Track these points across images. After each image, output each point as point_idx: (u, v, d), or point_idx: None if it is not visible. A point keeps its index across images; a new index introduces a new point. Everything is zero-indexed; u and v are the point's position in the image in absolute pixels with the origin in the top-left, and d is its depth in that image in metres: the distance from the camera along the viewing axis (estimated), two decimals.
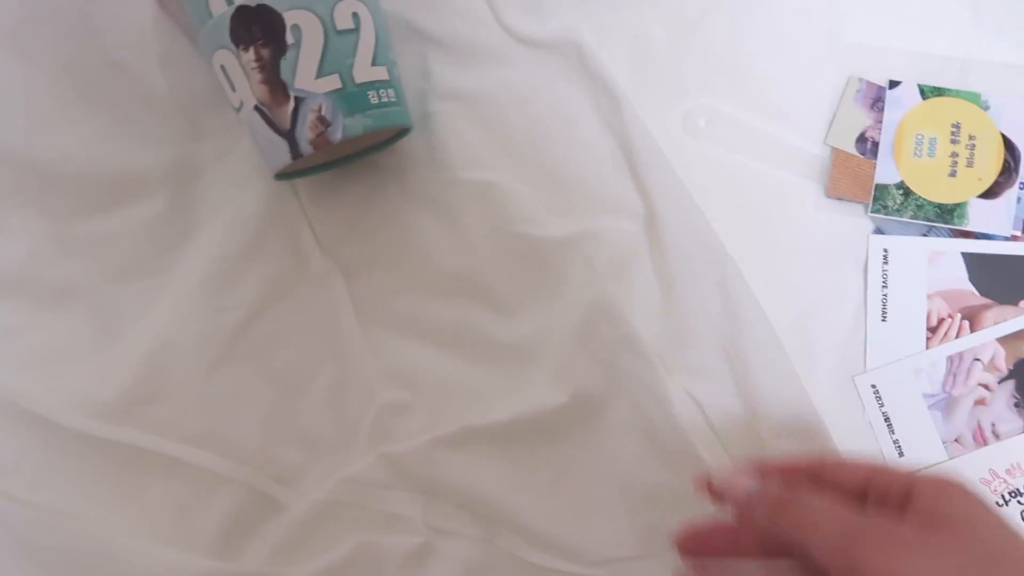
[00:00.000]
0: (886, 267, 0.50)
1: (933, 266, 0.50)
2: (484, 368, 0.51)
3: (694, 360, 0.50)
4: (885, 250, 0.50)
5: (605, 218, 0.51)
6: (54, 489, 0.48)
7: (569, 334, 0.49)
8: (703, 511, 0.46)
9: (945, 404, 0.49)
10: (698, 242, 0.49)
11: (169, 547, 0.47)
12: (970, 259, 0.50)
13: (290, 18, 0.44)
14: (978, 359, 0.50)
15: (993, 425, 0.49)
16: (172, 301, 0.51)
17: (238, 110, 0.47)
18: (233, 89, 0.46)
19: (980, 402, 0.49)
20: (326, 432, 0.51)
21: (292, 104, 0.45)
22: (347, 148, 0.50)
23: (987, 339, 0.50)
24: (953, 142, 0.51)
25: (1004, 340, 0.50)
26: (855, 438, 0.49)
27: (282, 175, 0.49)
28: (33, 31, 0.51)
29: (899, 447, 0.49)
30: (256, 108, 0.46)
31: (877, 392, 0.50)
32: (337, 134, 0.45)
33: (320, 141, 0.45)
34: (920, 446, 0.49)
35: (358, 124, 0.45)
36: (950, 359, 0.49)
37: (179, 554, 0.47)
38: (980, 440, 0.49)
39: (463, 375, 0.51)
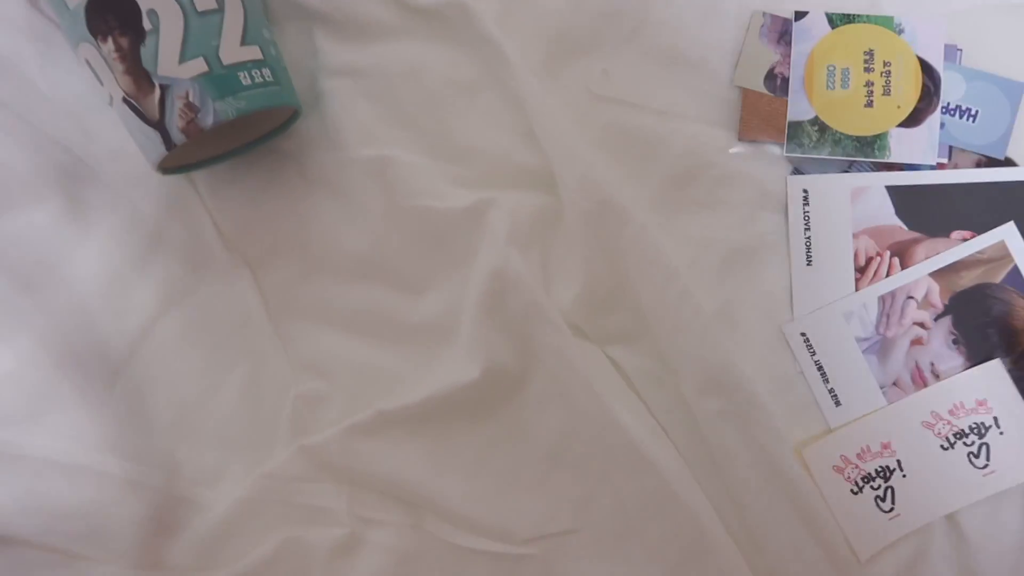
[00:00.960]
0: (807, 208, 0.48)
1: (857, 203, 0.48)
2: (398, 350, 0.49)
3: (612, 324, 0.48)
4: (805, 191, 0.48)
5: (507, 186, 0.49)
6: None
7: (476, 308, 0.47)
8: (632, 479, 0.45)
9: (880, 347, 0.47)
10: (600, 201, 0.47)
11: (83, 559, 0.46)
12: (895, 192, 0.48)
13: (145, 3, 0.42)
14: (911, 297, 0.47)
15: (932, 364, 0.47)
16: (71, 307, 0.49)
17: (110, 105, 0.45)
18: (101, 83, 0.45)
19: (916, 342, 0.47)
20: (243, 429, 0.49)
21: (158, 93, 0.43)
22: (235, 137, 0.48)
23: (919, 275, 0.47)
24: (867, 71, 0.48)
25: (937, 274, 0.47)
26: (788, 390, 0.47)
27: (174, 169, 0.48)
28: None
29: (835, 396, 0.47)
30: (124, 100, 0.44)
31: (807, 340, 0.47)
32: (208, 119, 0.43)
33: (191, 129, 0.43)
34: (856, 393, 0.47)
35: (230, 107, 0.43)
36: (882, 299, 0.47)
37: (97, 565, 0.46)
38: (919, 382, 0.47)
39: (377, 359, 0.49)
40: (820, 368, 0.47)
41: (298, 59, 0.51)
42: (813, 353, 0.47)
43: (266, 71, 0.45)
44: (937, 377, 0.47)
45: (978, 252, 0.47)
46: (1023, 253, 0.46)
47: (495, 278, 0.46)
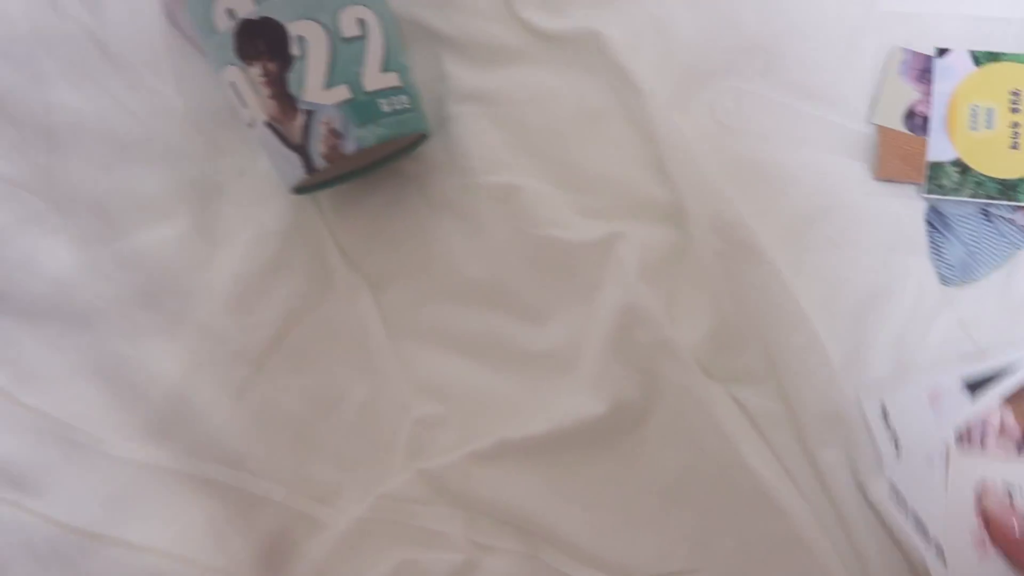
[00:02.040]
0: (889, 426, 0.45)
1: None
2: (516, 378, 0.49)
3: (738, 364, 0.47)
4: (883, 407, 0.45)
5: (635, 219, 0.49)
6: (93, 512, 0.48)
7: (603, 341, 0.46)
8: (757, 521, 0.44)
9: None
10: (732, 241, 0.46)
11: (212, 570, 0.47)
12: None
13: (294, 29, 0.43)
14: None
15: None
16: (200, 322, 0.50)
17: (250, 126, 0.46)
18: (244, 106, 0.45)
19: None
20: (361, 448, 0.50)
21: (302, 118, 0.43)
22: (365, 158, 0.49)
23: None
24: (1013, 111, 0.46)
25: None
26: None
27: (301, 189, 0.48)
28: (45, 53, 0.51)
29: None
30: (267, 124, 0.44)
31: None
32: (350, 146, 0.43)
33: (333, 154, 0.44)
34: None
35: (371, 134, 0.44)
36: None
37: None
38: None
39: (495, 386, 0.49)
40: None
41: (425, 83, 0.51)
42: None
43: (404, 98, 0.46)
44: None
45: None
46: None
47: (624, 313, 0.46)
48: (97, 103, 0.52)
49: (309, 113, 0.43)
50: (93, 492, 0.49)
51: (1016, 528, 0.40)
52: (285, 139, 0.44)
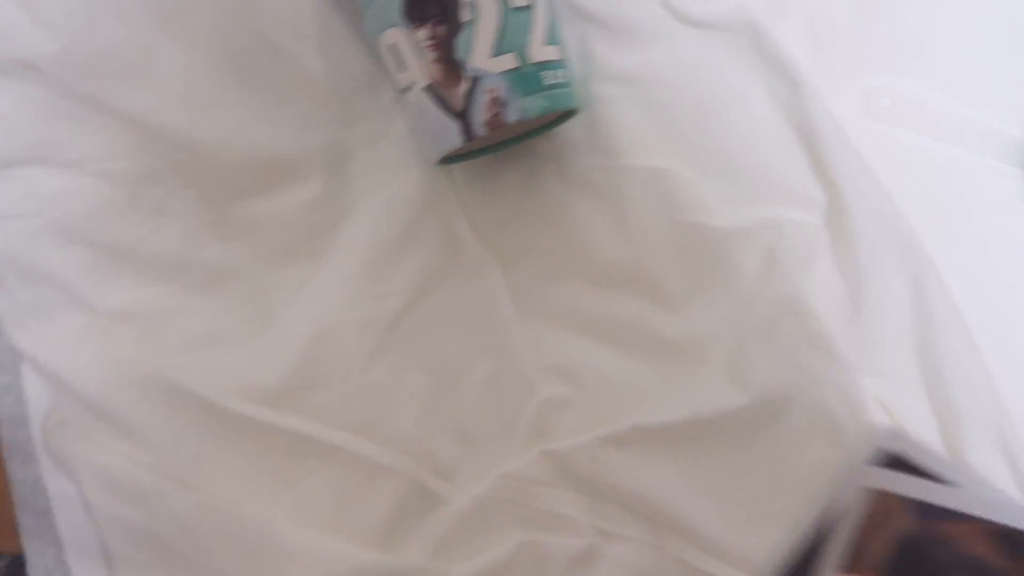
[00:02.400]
0: None
1: None
2: (649, 364, 0.48)
3: (883, 362, 0.46)
4: None
5: (783, 208, 0.48)
6: (213, 472, 0.48)
7: (748, 331, 0.46)
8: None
9: None
10: (890, 236, 0.46)
11: (331, 538, 0.46)
12: None
13: None
14: None
15: None
16: (330, 287, 0.50)
17: (405, 91, 0.46)
18: (402, 70, 0.45)
19: None
20: (484, 425, 0.49)
21: (467, 84, 0.43)
22: (516, 131, 0.48)
23: None
24: None
25: None
26: None
27: (444, 160, 0.48)
28: (193, 12, 0.51)
29: None
30: (427, 89, 0.44)
31: None
32: (512, 115, 0.43)
33: (495, 123, 0.43)
34: None
35: (533, 105, 0.43)
36: None
37: (342, 546, 0.46)
38: None
39: (626, 371, 0.49)
40: None
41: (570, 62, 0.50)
42: None
43: (563, 72, 0.45)
44: None
45: None
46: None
47: (776, 304, 0.45)
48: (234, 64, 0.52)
49: (474, 80, 0.43)
50: (212, 452, 0.48)
51: None
52: (445, 105, 0.44)
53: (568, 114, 0.49)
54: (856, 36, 0.49)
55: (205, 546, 0.46)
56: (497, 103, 0.43)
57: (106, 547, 0.49)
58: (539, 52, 0.44)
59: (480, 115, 0.43)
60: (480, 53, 0.43)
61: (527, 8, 0.44)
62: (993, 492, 0.36)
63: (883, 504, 0.35)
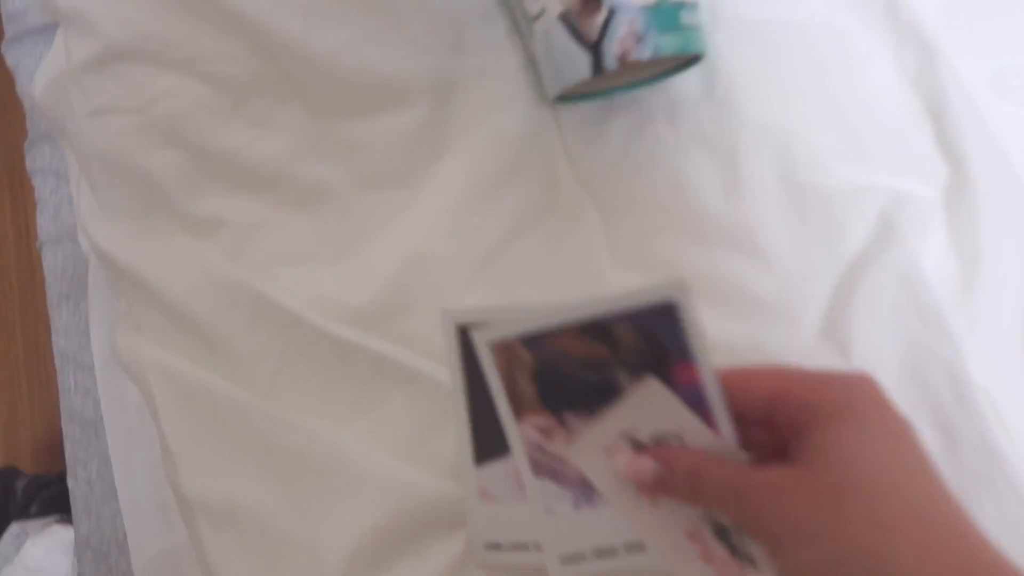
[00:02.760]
0: None
1: None
2: (743, 324, 0.47)
3: (986, 342, 0.45)
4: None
5: (901, 179, 0.47)
6: (290, 388, 0.47)
7: (854, 295, 0.45)
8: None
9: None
10: (1014, 216, 0.45)
11: (405, 464, 0.46)
12: None
13: None
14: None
15: None
16: (426, 215, 0.49)
17: (535, 18, 0.45)
18: None
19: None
20: None
21: (604, 15, 0.42)
22: (636, 72, 0.47)
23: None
24: None
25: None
26: None
27: (558, 97, 0.47)
28: None
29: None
30: (561, 16, 0.43)
31: None
32: (646, 52, 0.42)
33: (626, 57, 0.42)
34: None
35: (668, 44, 0.42)
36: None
37: (416, 473, 0.45)
38: None
39: (717, 329, 0.47)
40: None
41: None
42: None
43: (697, 15, 0.44)
44: None
45: None
46: None
47: (887, 272, 0.44)
48: None
49: (612, 11, 0.42)
50: (294, 366, 0.48)
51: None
52: (578, 35, 0.43)
53: (686, 64, 0.48)
54: (991, 14, 0.48)
55: (275, 459, 0.46)
56: (633, 37, 0.42)
57: (167, 448, 0.48)
58: None
59: (613, 48, 0.42)
60: None
61: None
62: (559, 303, 0.38)
63: (506, 352, 0.39)
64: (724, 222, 0.48)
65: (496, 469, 0.46)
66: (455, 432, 0.46)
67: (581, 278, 0.49)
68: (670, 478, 0.35)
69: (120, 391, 0.56)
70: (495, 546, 0.45)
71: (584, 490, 0.40)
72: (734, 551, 0.36)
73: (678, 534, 0.37)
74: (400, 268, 0.48)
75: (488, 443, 0.46)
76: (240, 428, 0.46)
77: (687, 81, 0.50)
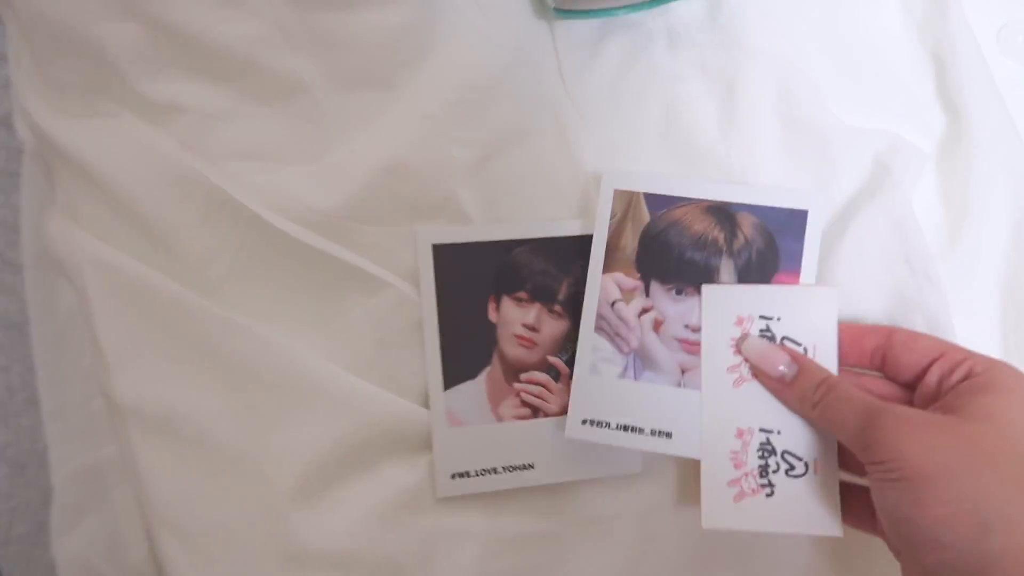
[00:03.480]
0: None
1: None
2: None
3: (965, 297, 0.45)
4: None
5: (898, 126, 0.46)
6: (245, 292, 0.44)
7: (843, 235, 0.43)
8: None
9: (640, 361, 0.42)
10: (1007, 170, 0.44)
11: (366, 379, 0.42)
12: None
13: None
14: (614, 301, 0.43)
15: (687, 327, 0.42)
16: (406, 121, 0.45)
17: None
18: None
19: (657, 327, 0.43)
20: None
21: None
22: None
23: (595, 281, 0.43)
24: None
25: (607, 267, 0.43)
26: None
27: (557, 8, 0.44)
28: None
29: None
30: None
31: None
32: None
33: None
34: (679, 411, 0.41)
35: None
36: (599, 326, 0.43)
37: (375, 390, 0.42)
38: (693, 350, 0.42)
39: None
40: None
41: None
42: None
43: None
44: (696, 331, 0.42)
45: None
46: None
47: (879, 216, 0.43)
48: None
49: None
50: (250, 268, 0.44)
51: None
52: None
53: None
54: None
55: (222, 365, 0.42)
56: None
57: (100, 348, 0.43)
58: None
59: None
60: None
61: None
62: (702, 178, 0.43)
63: (626, 203, 0.41)
64: (716, 154, 0.46)
65: (465, 391, 0.44)
66: (425, 353, 0.43)
67: (564, 201, 0.46)
68: (802, 381, 0.37)
69: (51, 292, 0.51)
70: (463, 475, 0.43)
71: (636, 362, 0.41)
72: (763, 471, 0.37)
73: (730, 429, 0.39)
74: (372, 175, 0.44)
75: (458, 366, 0.44)
76: (184, 330, 0.42)
77: (691, 6, 0.47)
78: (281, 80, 0.46)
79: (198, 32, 0.45)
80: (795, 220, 0.41)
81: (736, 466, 0.39)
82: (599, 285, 0.42)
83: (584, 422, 0.41)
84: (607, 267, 0.42)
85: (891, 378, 0.39)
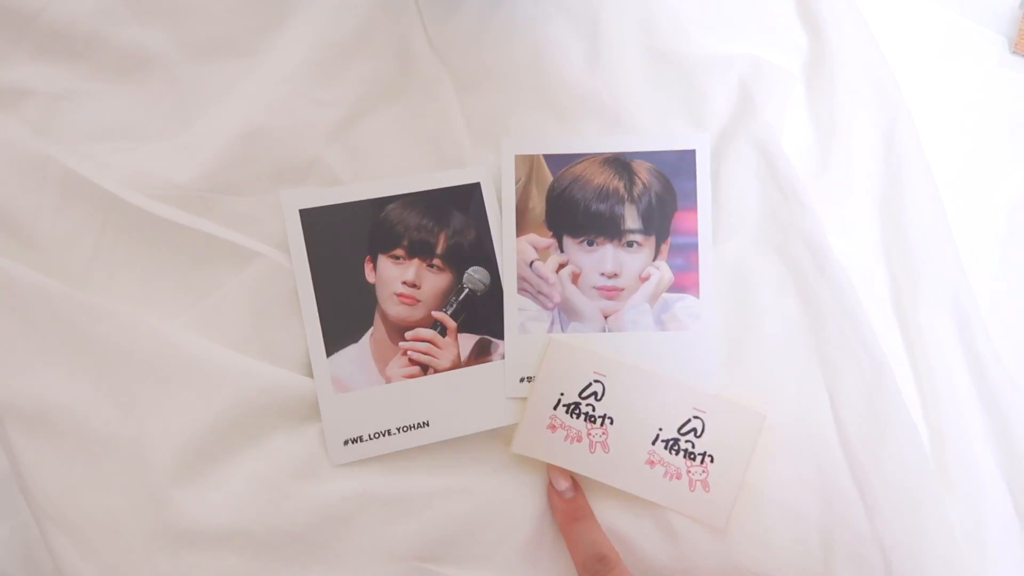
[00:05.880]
0: None
1: None
2: None
3: (843, 215, 0.45)
4: None
5: (762, 48, 0.46)
6: (112, 274, 0.42)
7: (719, 166, 0.43)
8: None
9: (564, 311, 0.44)
10: (871, 82, 0.44)
11: (245, 352, 0.41)
12: None
13: None
14: (531, 261, 0.44)
15: (606, 273, 0.44)
16: (264, 86, 0.44)
17: None
18: None
19: (575, 279, 0.44)
20: None
21: None
22: None
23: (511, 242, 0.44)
24: None
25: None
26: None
27: None
28: None
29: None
30: None
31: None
32: None
33: None
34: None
35: None
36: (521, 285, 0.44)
37: (253, 362, 0.41)
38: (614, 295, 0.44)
39: None
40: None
41: None
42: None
43: None
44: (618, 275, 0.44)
45: None
46: None
47: (745, 142, 0.43)
48: None
49: None
50: (112, 251, 0.43)
51: None
52: None
53: None
54: None
55: (91, 352, 0.41)
56: None
57: None
58: None
59: None
60: None
61: None
62: (595, 134, 0.44)
63: (528, 166, 0.43)
64: (586, 93, 0.45)
65: (349, 356, 0.43)
66: (303, 322, 0.42)
67: (436, 154, 0.46)
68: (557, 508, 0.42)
69: None
70: (355, 440, 0.42)
71: (560, 315, 0.43)
72: (690, 455, 0.40)
73: (639, 466, 0.41)
74: (232, 143, 0.43)
75: (339, 331, 0.43)
76: (50, 321, 0.41)
77: None
78: (131, 54, 0.44)
79: (36, 11, 0.44)
80: (685, 160, 0.43)
81: (676, 476, 0.41)
82: (515, 248, 0.43)
83: (522, 380, 0.43)
84: (519, 229, 0.44)
85: None
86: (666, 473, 0.41)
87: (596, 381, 0.42)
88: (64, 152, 0.43)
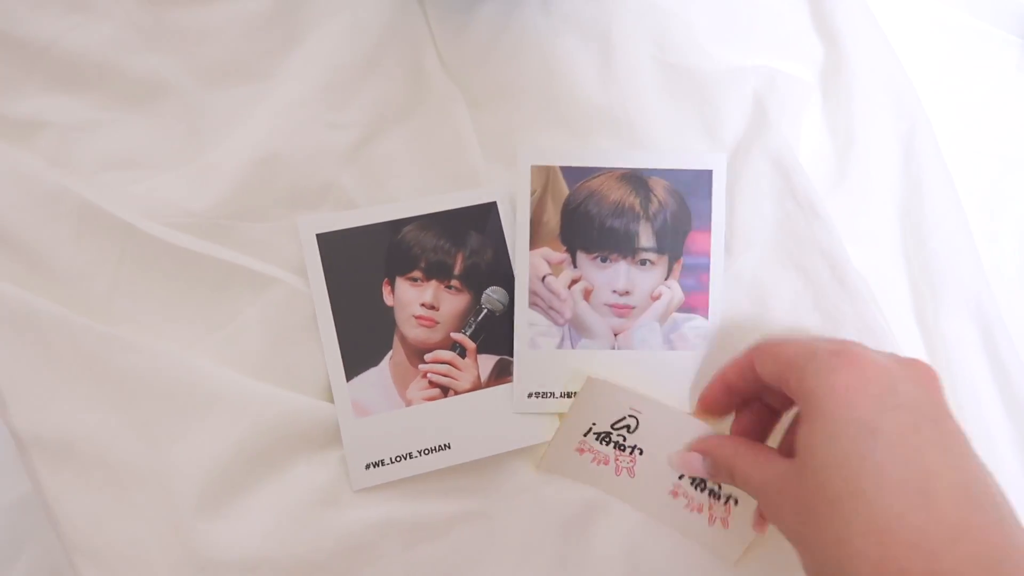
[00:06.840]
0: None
1: None
2: None
3: (862, 225, 0.44)
4: None
5: (777, 60, 0.45)
6: (131, 304, 0.42)
7: (735, 183, 0.43)
8: None
9: (575, 329, 0.44)
10: (889, 90, 0.43)
11: (262, 380, 0.41)
12: None
13: None
14: (544, 276, 0.44)
15: (616, 291, 0.43)
16: (278, 111, 0.44)
17: None
18: None
19: (586, 295, 0.44)
20: None
21: None
22: None
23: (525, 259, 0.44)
24: None
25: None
26: None
27: None
28: None
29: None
30: None
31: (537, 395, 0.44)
32: None
33: None
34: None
35: None
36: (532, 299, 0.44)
37: (274, 389, 0.41)
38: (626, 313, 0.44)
39: None
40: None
41: None
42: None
43: None
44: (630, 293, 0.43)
45: None
46: None
47: (762, 157, 0.42)
48: None
49: None
50: (132, 282, 0.43)
51: None
52: None
53: None
54: None
55: (114, 383, 0.41)
56: None
57: None
58: None
59: None
60: None
61: None
62: (614, 147, 0.44)
63: (544, 178, 0.42)
64: (599, 108, 0.45)
65: (369, 380, 0.43)
66: (322, 346, 0.42)
67: (451, 173, 0.45)
68: (714, 470, 0.38)
69: None
70: (377, 464, 0.42)
71: (571, 332, 0.43)
72: (715, 495, 0.41)
73: (662, 495, 0.41)
74: (247, 169, 0.43)
75: (358, 355, 0.43)
76: (72, 353, 0.41)
77: None
78: (144, 82, 0.44)
79: (49, 42, 0.44)
80: (701, 180, 0.42)
81: (698, 509, 0.41)
82: (528, 262, 0.43)
83: (530, 395, 0.42)
84: (533, 243, 0.43)
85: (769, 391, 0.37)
86: (688, 505, 0.41)
87: (631, 416, 0.41)
88: (80, 183, 0.43)
